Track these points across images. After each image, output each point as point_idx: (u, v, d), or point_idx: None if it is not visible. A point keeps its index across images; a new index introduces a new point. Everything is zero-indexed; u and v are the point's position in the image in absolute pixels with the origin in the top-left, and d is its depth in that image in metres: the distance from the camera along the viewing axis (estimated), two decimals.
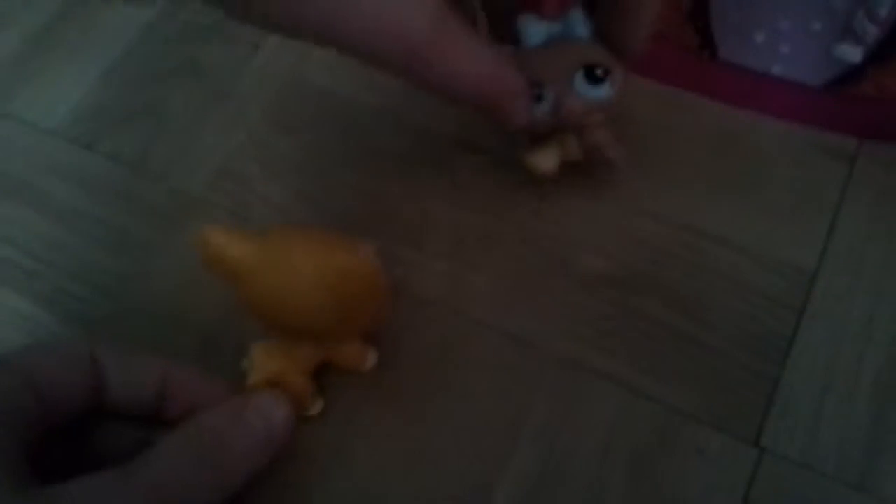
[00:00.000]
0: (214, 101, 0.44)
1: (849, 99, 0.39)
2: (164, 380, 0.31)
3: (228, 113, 0.43)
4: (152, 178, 0.42)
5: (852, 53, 0.37)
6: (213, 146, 0.42)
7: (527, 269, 0.38)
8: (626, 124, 0.41)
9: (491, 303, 0.37)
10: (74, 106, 0.44)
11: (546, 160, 0.37)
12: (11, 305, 0.38)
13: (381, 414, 0.35)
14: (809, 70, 0.38)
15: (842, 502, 0.32)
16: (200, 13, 0.47)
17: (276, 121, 0.43)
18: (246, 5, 0.26)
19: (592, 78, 0.33)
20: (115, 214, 0.41)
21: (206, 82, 0.45)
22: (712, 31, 0.39)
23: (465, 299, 0.37)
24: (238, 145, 0.42)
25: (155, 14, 0.48)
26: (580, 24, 0.34)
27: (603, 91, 0.34)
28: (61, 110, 0.44)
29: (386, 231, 0.39)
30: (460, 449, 0.34)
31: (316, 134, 0.43)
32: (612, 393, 0.35)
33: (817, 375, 0.35)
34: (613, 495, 0.33)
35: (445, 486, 0.33)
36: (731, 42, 0.39)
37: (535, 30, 0.35)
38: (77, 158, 0.43)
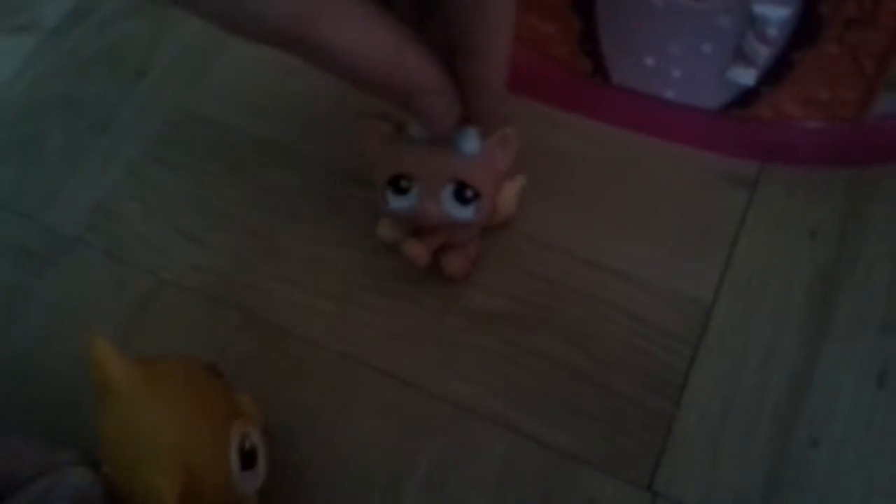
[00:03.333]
0: (92, 135, 0.42)
1: (745, 122, 0.38)
2: None
3: (107, 147, 0.41)
4: (25, 217, 0.39)
5: (745, 75, 0.35)
6: (89, 183, 0.40)
7: (418, 308, 0.36)
8: (521, 152, 0.40)
9: (379, 345, 0.35)
10: None
11: (388, 233, 0.36)
12: None
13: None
14: (703, 94, 0.37)
15: None
16: (82, 44, 0.45)
17: (158, 155, 0.41)
18: None
19: (461, 197, 0.32)
20: None
21: (85, 115, 0.42)
22: (603, 56, 0.37)
23: (352, 341, 0.36)
24: (116, 181, 0.40)
25: (36, 44, 0.45)
26: (471, 141, 0.31)
27: (467, 213, 0.32)
28: None
29: (273, 270, 0.37)
30: (346, 499, 0.32)
31: (201, 168, 0.40)
32: (502, 438, 0.33)
33: (714, 412, 0.33)
34: None
35: None
36: (622, 67, 0.38)
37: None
38: None
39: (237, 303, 0.36)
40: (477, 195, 0.32)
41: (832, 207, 0.38)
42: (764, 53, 0.34)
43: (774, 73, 0.35)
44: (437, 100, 0.28)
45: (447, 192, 0.32)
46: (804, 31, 0.33)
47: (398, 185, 0.32)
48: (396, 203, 0.32)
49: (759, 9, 0.33)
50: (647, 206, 0.38)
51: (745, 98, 0.37)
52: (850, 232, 0.37)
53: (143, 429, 0.27)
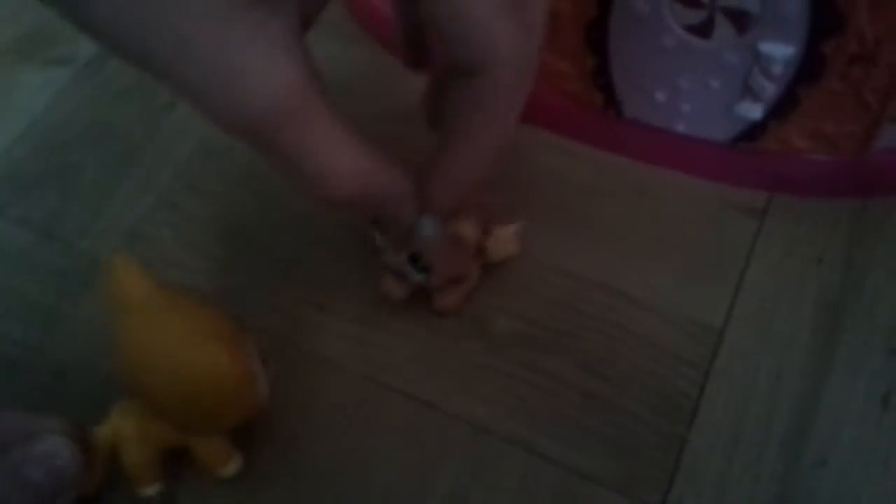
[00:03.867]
0: (126, 164, 0.43)
1: (754, 154, 0.39)
2: None
3: (140, 176, 0.43)
4: (61, 243, 0.41)
5: (752, 110, 0.37)
6: (123, 210, 0.42)
7: (437, 332, 0.38)
8: (537, 182, 0.41)
9: (400, 367, 0.37)
10: None
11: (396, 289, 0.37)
12: None
13: (284, 488, 0.34)
14: (712, 127, 0.39)
15: None
16: (116, 76, 0.47)
17: (189, 183, 0.43)
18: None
19: (415, 264, 0.35)
20: (22, 281, 0.40)
21: (118, 145, 0.44)
22: (615, 91, 0.39)
23: (373, 364, 0.37)
24: (149, 209, 0.42)
25: (71, 76, 0.47)
26: (429, 227, 0.33)
27: (422, 277, 0.35)
28: None
29: (297, 294, 0.39)
30: None
31: (229, 196, 0.42)
32: (519, 458, 0.34)
33: (724, 436, 0.34)
34: None
35: None
36: (634, 101, 0.39)
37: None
38: None
39: (263, 326, 0.38)
40: (430, 266, 0.35)
41: (838, 236, 0.39)
42: (770, 89, 0.36)
43: (781, 108, 0.37)
44: (408, 203, 0.30)
45: (405, 258, 0.35)
46: (808, 68, 0.35)
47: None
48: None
49: (764, 47, 0.34)
50: (659, 234, 0.39)
51: (753, 132, 0.38)
52: (856, 259, 0.38)
53: (176, 324, 0.29)
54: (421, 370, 0.37)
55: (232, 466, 0.33)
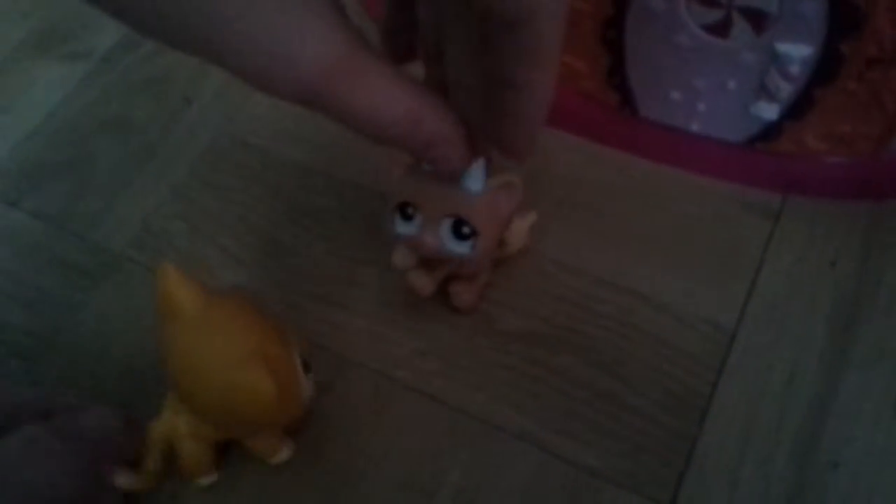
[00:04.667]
0: (141, 158, 0.44)
1: (769, 155, 0.39)
2: None
3: (154, 169, 0.43)
4: (75, 235, 0.41)
5: (768, 110, 0.37)
6: (137, 203, 0.42)
7: (449, 329, 0.38)
8: (550, 180, 0.41)
9: (410, 362, 0.37)
10: (0, 162, 0.44)
11: (402, 261, 0.36)
12: None
13: (294, 479, 0.34)
14: (728, 127, 0.39)
15: None
16: (131, 71, 0.47)
17: (203, 177, 0.43)
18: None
19: (458, 232, 0.33)
20: (35, 272, 0.40)
21: (134, 138, 0.44)
22: (631, 89, 0.39)
23: (386, 359, 0.37)
24: (162, 202, 0.42)
25: (88, 71, 0.48)
26: (475, 180, 0.32)
27: (463, 248, 0.33)
28: None
29: (310, 289, 0.39)
30: None
31: (243, 191, 0.42)
32: (529, 454, 0.34)
33: (735, 435, 0.34)
34: None
35: None
36: (649, 100, 0.39)
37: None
38: (1, 215, 0.42)
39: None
40: (475, 233, 0.33)
41: (853, 238, 0.39)
42: (786, 89, 0.36)
43: (797, 109, 0.37)
44: (451, 151, 0.29)
45: (446, 226, 0.33)
46: (825, 68, 0.35)
47: (405, 211, 0.33)
48: (401, 228, 0.33)
49: (781, 47, 0.34)
50: (673, 234, 0.39)
51: (769, 132, 0.38)
52: (871, 262, 0.38)
53: (221, 340, 0.29)
54: (432, 366, 0.37)
55: (284, 453, 0.34)
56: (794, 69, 0.35)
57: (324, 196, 0.42)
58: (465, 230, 0.33)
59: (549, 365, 0.36)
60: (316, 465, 0.34)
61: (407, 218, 0.33)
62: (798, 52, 0.34)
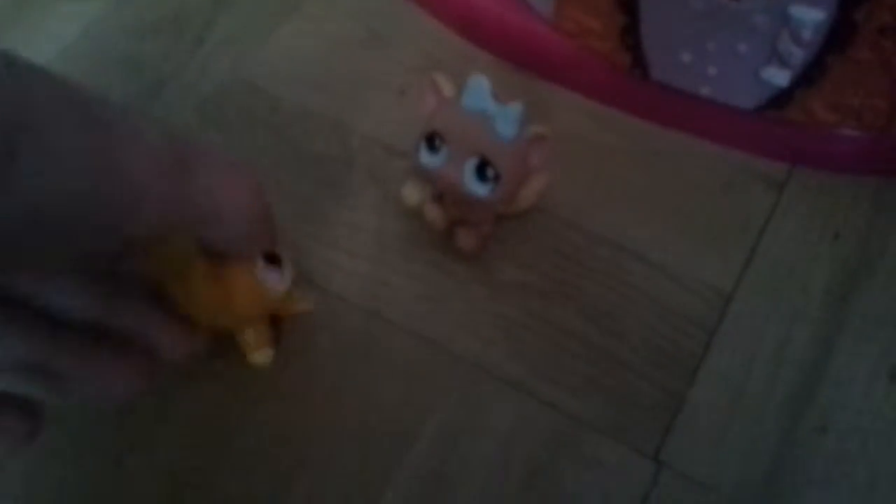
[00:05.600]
0: (150, 96, 0.44)
1: (778, 124, 0.39)
2: None
3: (163, 107, 0.43)
4: None
5: (779, 76, 0.37)
6: None
7: (446, 276, 0.38)
8: (556, 138, 0.41)
9: (406, 305, 0.37)
10: None
11: (412, 196, 0.36)
12: None
13: (283, 410, 0.34)
14: (738, 92, 0.39)
15: None
16: (147, 10, 0.47)
17: (210, 118, 0.43)
18: None
19: (481, 173, 0.33)
20: None
21: (144, 77, 0.45)
22: (643, 50, 0.39)
23: (382, 301, 0.37)
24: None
25: (103, 9, 0.48)
26: (507, 123, 0.32)
27: (482, 190, 0.33)
28: None
29: (312, 231, 0.39)
30: (359, 449, 0.33)
31: (249, 133, 0.42)
32: (516, 399, 0.34)
33: (725, 396, 0.34)
34: (506, 501, 0.32)
35: (337, 485, 0.32)
36: (661, 62, 0.39)
37: (475, 92, 0.33)
38: None
39: None
40: (497, 177, 0.33)
41: (857, 213, 0.39)
42: (798, 55, 0.36)
43: (808, 76, 0.37)
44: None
45: (470, 165, 0.33)
46: (838, 35, 0.35)
47: (432, 142, 0.33)
48: (426, 158, 0.33)
49: (794, 10, 0.34)
50: (676, 198, 0.39)
51: (779, 99, 0.38)
52: (874, 237, 0.38)
53: None
54: (426, 309, 0.37)
55: (265, 355, 0.34)
56: (807, 34, 0.35)
57: (329, 142, 0.42)
58: (489, 172, 0.33)
59: (543, 316, 0.36)
60: (304, 397, 0.34)
61: (433, 149, 0.33)
62: (811, 16, 0.34)
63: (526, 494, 0.32)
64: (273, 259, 0.31)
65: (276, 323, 0.35)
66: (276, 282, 0.31)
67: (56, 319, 0.25)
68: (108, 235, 0.22)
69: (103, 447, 0.33)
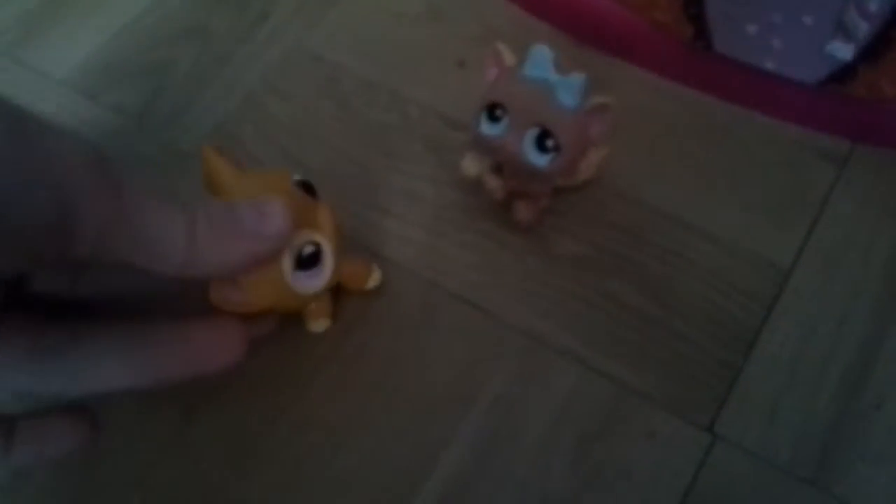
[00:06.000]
0: (217, 65, 0.45)
1: (841, 100, 0.38)
2: None
3: (229, 77, 0.44)
4: (150, 132, 0.43)
5: (844, 50, 0.36)
6: (210, 107, 0.43)
7: (501, 247, 0.38)
8: (619, 113, 0.41)
9: (461, 275, 0.37)
10: (85, 60, 0.46)
11: (471, 167, 0.36)
12: None
13: (342, 373, 0.35)
14: (802, 66, 0.38)
15: (791, 496, 0.31)
16: None
17: (274, 87, 0.44)
18: None
19: (541, 144, 0.33)
20: None
21: (212, 46, 0.46)
22: (707, 21, 0.39)
23: (438, 270, 0.38)
24: (235, 107, 0.43)
25: None
26: (569, 94, 0.32)
27: (541, 161, 0.33)
28: (72, 63, 0.46)
29: (369, 199, 0.40)
30: (414, 413, 0.34)
31: (311, 102, 0.43)
32: (570, 370, 0.35)
33: (781, 369, 0.34)
34: (558, 470, 0.32)
35: (393, 447, 0.33)
36: (724, 33, 0.39)
37: (537, 61, 0.33)
38: (81, 108, 0.44)
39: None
40: (557, 148, 0.33)
41: None
42: (864, 28, 0.35)
43: (873, 50, 0.36)
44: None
45: (530, 135, 0.33)
46: None
47: (493, 112, 0.33)
48: (486, 128, 0.34)
49: None
50: (735, 172, 0.39)
51: (843, 74, 0.37)
52: None
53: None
54: (482, 280, 0.37)
55: (317, 325, 0.35)
56: (873, 6, 0.34)
57: (389, 113, 0.43)
58: (549, 143, 0.33)
59: (599, 289, 0.36)
60: (359, 363, 0.35)
61: (494, 119, 0.34)
62: None
63: (577, 465, 0.32)
64: (307, 260, 0.31)
65: (339, 291, 0.36)
66: (308, 284, 0.31)
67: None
68: (49, 243, 0.22)
69: (170, 405, 0.34)
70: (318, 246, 0.31)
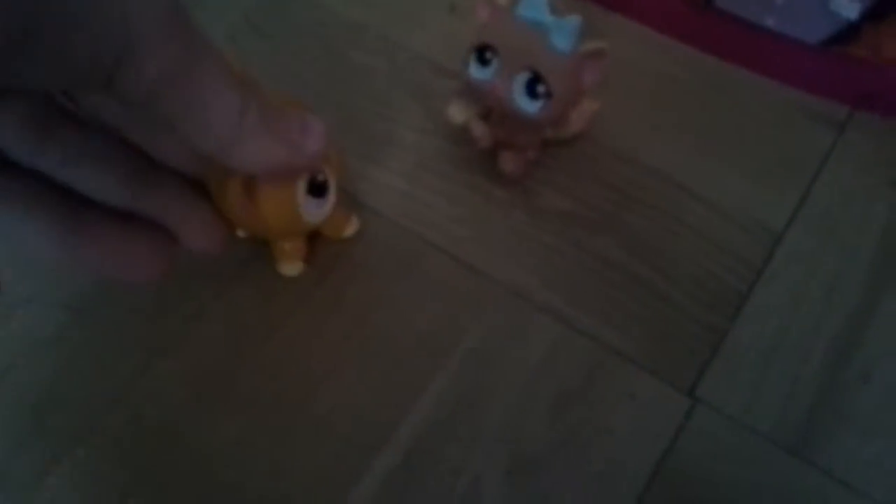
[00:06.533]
0: (197, 4, 0.43)
1: (843, 63, 0.37)
2: None
3: (209, 15, 0.42)
4: None
5: (848, 8, 0.35)
6: None
7: (487, 200, 0.37)
8: (613, 66, 0.40)
9: (444, 226, 0.36)
10: None
11: (458, 114, 0.35)
12: None
13: (314, 320, 0.34)
14: (804, 24, 0.37)
15: (772, 463, 0.31)
16: None
17: (257, 26, 0.42)
18: None
19: (531, 89, 0.31)
20: None
21: None
22: None
23: (419, 220, 0.36)
24: (216, 47, 0.41)
25: None
26: (563, 37, 0.30)
27: (531, 108, 0.32)
28: None
29: (351, 144, 0.38)
30: (391, 362, 0.33)
31: (295, 42, 0.41)
32: (550, 327, 0.33)
33: (769, 335, 0.33)
34: (534, 426, 0.31)
35: (364, 395, 0.32)
36: None
37: (531, 1, 0.31)
38: None
39: None
40: (548, 94, 0.32)
41: None
42: None
43: (878, 9, 0.35)
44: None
45: (520, 80, 0.32)
46: None
47: (483, 55, 0.32)
48: (475, 72, 0.32)
49: None
50: (731, 133, 0.38)
51: (846, 34, 0.36)
52: None
53: None
54: (464, 232, 0.36)
55: (295, 267, 0.34)
56: None
57: (375, 56, 0.41)
58: (540, 89, 0.31)
59: (585, 246, 0.35)
60: (336, 306, 0.34)
61: (483, 62, 0.32)
62: None
63: (555, 422, 0.31)
64: (318, 187, 0.30)
65: (315, 237, 0.35)
66: (314, 212, 0.31)
67: (82, 199, 0.25)
68: (103, 63, 0.21)
69: (133, 345, 0.33)
70: (325, 178, 0.31)
